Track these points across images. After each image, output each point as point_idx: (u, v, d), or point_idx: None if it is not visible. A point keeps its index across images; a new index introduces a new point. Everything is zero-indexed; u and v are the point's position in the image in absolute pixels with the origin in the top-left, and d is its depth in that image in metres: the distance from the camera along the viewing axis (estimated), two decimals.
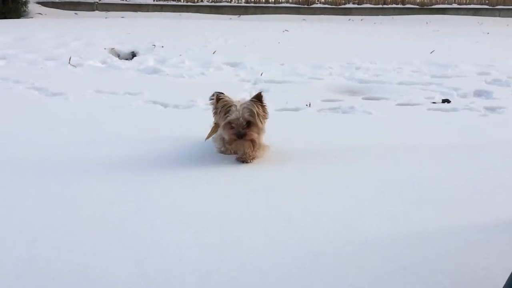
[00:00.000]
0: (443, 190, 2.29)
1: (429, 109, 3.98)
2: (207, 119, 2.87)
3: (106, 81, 4.76)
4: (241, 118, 2.48)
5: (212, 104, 2.68)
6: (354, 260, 1.69)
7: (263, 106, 2.56)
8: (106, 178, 2.39)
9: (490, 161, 2.71)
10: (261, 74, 5.22)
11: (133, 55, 6.42)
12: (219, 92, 2.63)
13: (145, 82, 4.79)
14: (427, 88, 4.74)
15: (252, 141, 2.55)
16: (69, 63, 5.58)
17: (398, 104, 4.14)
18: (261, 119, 2.55)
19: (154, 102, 4.01)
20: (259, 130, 2.56)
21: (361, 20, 12.44)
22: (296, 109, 3.91)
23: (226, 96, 2.59)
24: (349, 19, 12.50)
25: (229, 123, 2.51)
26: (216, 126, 2.75)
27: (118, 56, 6.38)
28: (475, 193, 2.27)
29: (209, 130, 2.81)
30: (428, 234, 1.88)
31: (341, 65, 5.81)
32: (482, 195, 2.24)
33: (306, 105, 4.01)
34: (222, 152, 2.74)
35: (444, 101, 4.21)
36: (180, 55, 6.25)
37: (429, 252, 1.75)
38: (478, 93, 4.54)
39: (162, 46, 6.83)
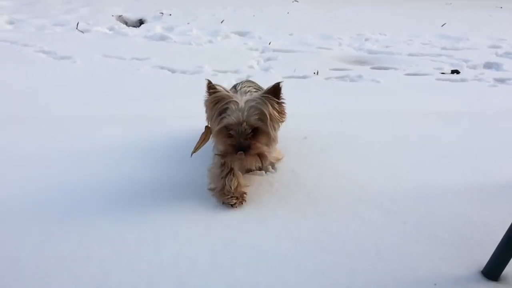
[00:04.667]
0: (448, 152, 2.29)
1: (438, 79, 3.96)
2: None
3: (113, 46, 4.75)
4: (244, 124, 1.63)
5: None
6: (355, 212, 1.72)
7: (279, 104, 1.70)
8: (109, 141, 2.41)
9: (496, 128, 2.70)
10: (269, 43, 5.18)
11: (141, 22, 6.38)
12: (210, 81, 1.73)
13: (153, 49, 4.78)
14: (437, 59, 4.70)
15: (260, 156, 1.69)
16: (77, 28, 5.56)
17: (407, 74, 4.12)
18: (275, 125, 1.69)
19: (162, 67, 4.02)
20: (270, 141, 1.71)
21: None
22: (304, 77, 3.90)
23: (222, 87, 1.72)
24: None
25: (226, 128, 1.68)
26: (207, 131, 1.88)
27: (126, 23, 6.34)
28: (480, 156, 2.27)
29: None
30: (431, 192, 1.90)
31: (350, 36, 5.75)
32: (486, 158, 2.25)
33: (314, 73, 4.00)
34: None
35: (453, 71, 4.17)
36: (188, 23, 6.21)
37: (431, 209, 1.77)
38: (488, 65, 4.50)
39: (170, 14, 6.78)
